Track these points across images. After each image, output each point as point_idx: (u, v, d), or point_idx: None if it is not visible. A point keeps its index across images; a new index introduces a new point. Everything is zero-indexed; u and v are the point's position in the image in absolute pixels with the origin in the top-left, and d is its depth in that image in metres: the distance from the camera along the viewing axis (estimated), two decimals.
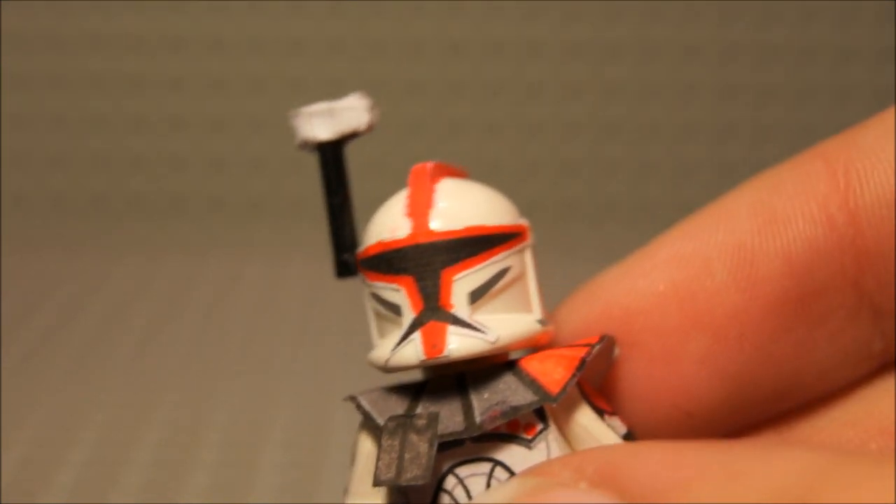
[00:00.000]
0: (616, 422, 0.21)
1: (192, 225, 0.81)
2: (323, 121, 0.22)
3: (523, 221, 0.22)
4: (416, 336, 0.20)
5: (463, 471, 0.21)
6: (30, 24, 0.81)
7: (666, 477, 0.16)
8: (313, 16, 0.83)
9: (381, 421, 0.21)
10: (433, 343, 0.20)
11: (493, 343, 0.20)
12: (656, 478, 0.16)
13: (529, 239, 0.22)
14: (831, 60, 0.84)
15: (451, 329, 0.20)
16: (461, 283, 0.20)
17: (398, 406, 0.21)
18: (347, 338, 0.64)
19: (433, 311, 0.20)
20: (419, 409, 0.21)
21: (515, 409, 0.20)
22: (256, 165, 0.82)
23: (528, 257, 0.22)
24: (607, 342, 0.22)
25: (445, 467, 0.21)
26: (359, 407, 0.21)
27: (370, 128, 0.22)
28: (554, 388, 0.20)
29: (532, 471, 0.19)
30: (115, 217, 0.81)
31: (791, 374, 0.22)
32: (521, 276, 0.21)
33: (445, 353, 0.20)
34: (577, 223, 0.81)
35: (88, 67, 0.82)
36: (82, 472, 0.49)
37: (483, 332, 0.20)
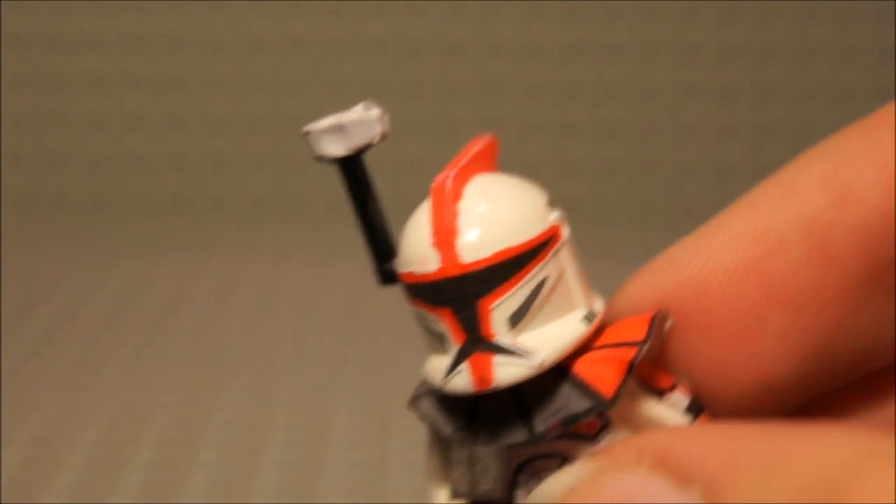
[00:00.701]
0: (677, 396, 0.22)
1: (192, 225, 0.81)
2: (334, 138, 0.22)
3: (554, 218, 0.21)
4: (464, 367, 0.20)
5: (535, 466, 0.21)
6: (30, 24, 0.81)
7: (715, 462, 0.16)
8: (313, 16, 0.83)
9: (447, 430, 0.21)
10: (481, 375, 0.20)
11: (539, 366, 0.20)
12: (705, 462, 0.17)
13: (563, 236, 0.21)
14: (831, 60, 0.84)
15: (497, 360, 0.20)
16: (499, 310, 0.20)
17: (459, 414, 0.21)
18: (348, 337, 0.64)
19: (476, 341, 0.20)
20: (481, 418, 0.21)
21: (574, 416, 0.20)
22: (256, 165, 0.82)
23: (565, 254, 0.21)
24: (658, 322, 0.22)
25: (517, 463, 0.21)
26: (423, 419, 0.22)
27: (384, 138, 0.22)
28: (607, 392, 0.20)
29: (596, 454, 0.19)
30: (115, 217, 0.81)
31: (869, 345, 0.22)
32: (560, 278, 0.21)
33: (493, 384, 0.20)
34: (577, 223, 0.81)
35: (88, 67, 0.82)
36: (82, 472, 0.49)
37: (527, 357, 0.20)
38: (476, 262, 0.20)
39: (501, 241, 0.20)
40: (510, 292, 0.20)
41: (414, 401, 0.22)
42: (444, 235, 0.20)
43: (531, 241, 0.21)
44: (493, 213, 0.21)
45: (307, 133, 0.22)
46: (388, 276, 0.22)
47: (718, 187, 0.83)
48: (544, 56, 0.84)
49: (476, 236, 0.20)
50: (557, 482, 0.19)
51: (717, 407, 0.22)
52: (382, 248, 0.22)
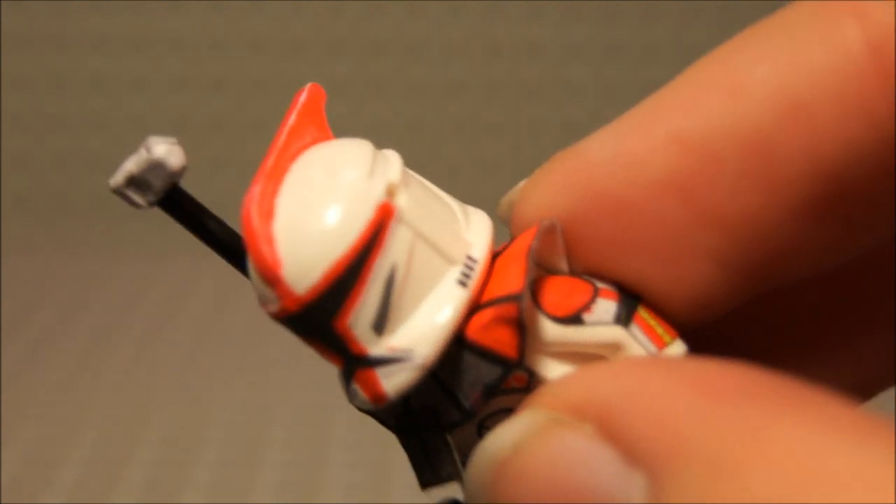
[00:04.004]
0: (601, 307, 0.20)
1: None
2: (136, 190, 0.20)
3: (380, 193, 0.18)
4: (355, 388, 0.19)
5: (489, 424, 0.21)
6: (30, 24, 0.81)
7: (660, 442, 0.15)
8: (313, 16, 0.83)
9: (390, 422, 0.20)
10: (373, 392, 0.19)
11: (423, 365, 0.19)
12: (651, 439, 0.15)
13: (398, 205, 0.19)
14: None
15: (379, 372, 0.19)
16: (358, 324, 0.19)
17: (394, 406, 0.21)
18: None
19: (352, 361, 0.19)
20: (412, 402, 0.20)
21: (490, 386, 0.19)
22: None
23: (409, 222, 0.19)
24: (538, 243, 0.19)
25: (474, 427, 0.20)
26: (366, 412, 0.21)
27: (183, 167, 0.19)
28: (511, 352, 0.19)
29: (543, 400, 0.17)
30: (115, 218, 0.81)
31: (817, 269, 0.19)
32: (411, 254, 0.19)
33: (388, 399, 0.19)
34: None
35: (89, 67, 0.82)
36: (83, 471, 0.49)
37: (408, 359, 0.19)
38: (311, 290, 0.18)
39: (328, 257, 0.18)
40: (360, 301, 0.18)
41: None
42: (269, 273, 0.18)
43: (359, 240, 0.18)
44: (310, 226, 0.18)
45: (113, 191, 0.20)
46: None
47: None
48: (544, 56, 0.84)
49: (300, 260, 0.18)
50: (501, 437, 0.17)
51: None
52: (246, 265, 0.20)
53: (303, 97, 0.20)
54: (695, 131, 0.18)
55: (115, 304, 0.68)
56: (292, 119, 0.20)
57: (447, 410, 0.19)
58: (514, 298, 0.19)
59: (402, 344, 0.19)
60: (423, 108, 0.83)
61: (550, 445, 0.16)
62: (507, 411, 0.19)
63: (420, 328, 0.19)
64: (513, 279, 0.19)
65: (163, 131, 0.88)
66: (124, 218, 0.81)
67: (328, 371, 0.64)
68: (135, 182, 0.19)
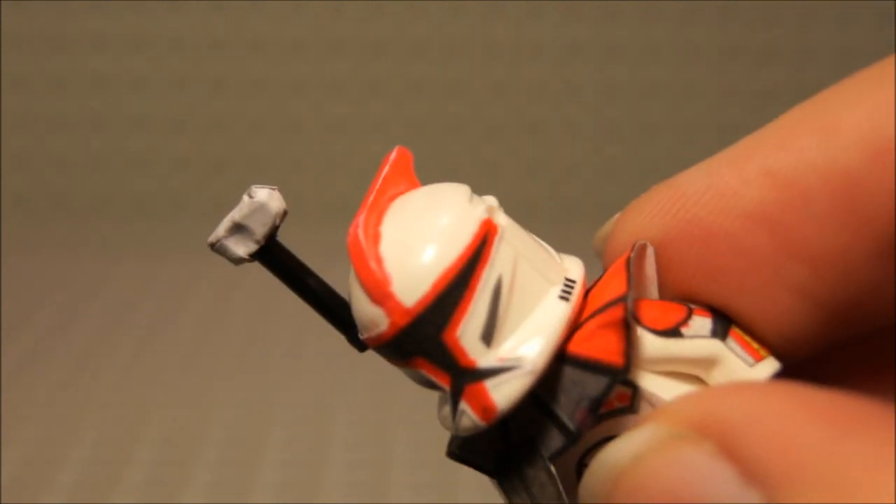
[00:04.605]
0: (696, 321, 0.20)
1: (192, 225, 0.81)
2: (236, 239, 0.20)
3: (482, 212, 0.19)
4: (464, 406, 0.19)
5: (589, 459, 0.20)
6: (30, 24, 0.81)
7: (779, 463, 0.15)
8: (313, 16, 0.83)
9: (489, 466, 0.20)
10: (482, 407, 0.19)
11: (533, 371, 0.19)
12: (770, 460, 0.15)
13: (500, 224, 0.19)
14: (831, 60, 0.84)
15: (489, 384, 0.19)
16: (466, 335, 0.19)
17: (493, 441, 0.20)
18: None
19: (461, 376, 0.19)
20: (514, 438, 0.20)
21: (598, 399, 0.19)
22: (257, 166, 0.82)
23: (511, 240, 0.19)
24: (636, 260, 0.20)
25: (573, 465, 0.20)
26: (462, 461, 0.21)
27: (285, 215, 0.20)
28: (617, 360, 0.19)
29: (665, 416, 0.17)
30: (115, 218, 0.81)
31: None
32: (516, 269, 0.19)
33: (499, 411, 0.19)
34: (577, 223, 0.81)
35: (89, 68, 0.82)
36: (83, 471, 0.49)
37: (518, 367, 0.19)
38: (420, 302, 0.19)
39: (436, 268, 0.19)
40: (468, 312, 0.19)
41: (450, 449, 0.21)
42: (379, 289, 0.19)
43: (465, 250, 0.19)
44: (417, 242, 0.19)
45: (212, 245, 0.20)
46: (363, 343, 0.20)
47: None
48: (544, 56, 0.84)
49: (409, 274, 0.19)
50: (621, 449, 0.17)
51: None
52: (342, 318, 0.20)
53: (393, 156, 0.21)
54: (787, 167, 0.19)
55: (115, 304, 0.68)
56: (386, 170, 0.20)
57: (550, 436, 0.19)
58: (620, 300, 0.19)
59: (512, 354, 0.19)
60: (423, 108, 0.83)
61: (671, 459, 0.16)
62: (606, 442, 0.19)
63: (528, 338, 0.19)
64: (615, 287, 0.19)
65: (163, 131, 0.88)
66: (124, 218, 0.81)
67: (328, 371, 0.64)
68: (237, 229, 0.20)
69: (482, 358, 0.19)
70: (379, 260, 0.19)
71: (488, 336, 0.19)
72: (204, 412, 0.55)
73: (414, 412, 0.54)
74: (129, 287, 0.71)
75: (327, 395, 0.57)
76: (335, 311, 0.21)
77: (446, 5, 0.83)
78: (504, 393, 0.19)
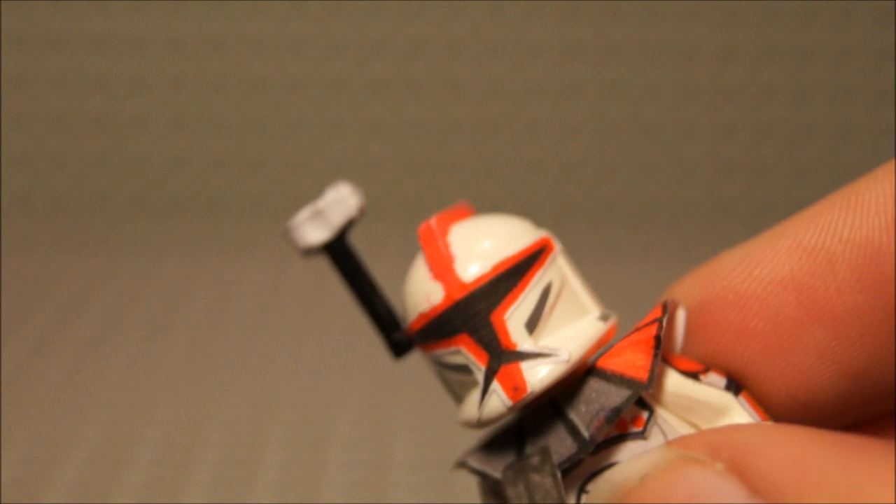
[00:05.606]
0: (713, 376, 0.21)
1: (192, 226, 0.81)
2: (314, 225, 0.21)
3: (541, 231, 0.22)
4: (495, 385, 0.20)
5: (589, 486, 0.21)
6: (30, 24, 0.81)
7: (789, 477, 0.16)
8: (313, 16, 0.83)
9: (498, 475, 0.21)
10: (514, 386, 0.20)
11: (568, 361, 0.20)
12: (780, 475, 0.16)
13: (556, 247, 0.22)
14: (831, 60, 0.84)
15: (525, 366, 0.20)
16: (513, 318, 0.20)
17: (507, 454, 0.21)
18: (348, 337, 0.64)
19: (500, 356, 0.20)
20: (528, 449, 0.20)
21: (616, 410, 0.20)
22: (257, 167, 0.82)
23: (563, 263, 0.22)
24: (671, 306, 0.22)
25: (576, 488, 0.20)
26: (472, 470, 0.21)
27: (363, 212, 0.22)
28: (642, 375, 0.20)
29: (676, 442, 0.19)
30: (115, 218, 0.81)
31: None
32: (564, 285, 0.21)
33: (529, 390, 0.20)
34: (577, 223, 0.81)
35: (89, 68, 0.82)
36: (83, 471, 0.49)
37: (554, 355, 0.20)
38: (478, 279, 0.20)
39: (497, 253, 0.21)
40: (519, 299, 0.20)
41: (460, 461, 0.22)
42: (442, 266, 0.21)
43: (525, 249, 0.21)
44: (483, 233, 0.21)
45: (288, 229, 0.22)
46: (399, 346, 0.22)
47: (718, 187, 0.83)
48: (544, 56, 0.84)
49: (471, 255, 0.21)
50: (630, 468, 0.18)
51: None
52: (387, 320, 0.22)
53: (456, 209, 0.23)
54: (816, 238, 0.21)
55: (115, 304, 0.68)
56: (453, 208, 0.22)
57: (563, 443, 0.20)
58: (654, 321, 0.21)
59: (551, 345, 0.20)
60: (423, 108, 0.83)
61: (679, 478, 0.17)
62: (611, 467, 0.20)
63: (567, 338, 0.21)
64: (650, 316, 0.21)
65: (163, 131, 0.88)
66: (124, 218, 0.81)
67: (328, 372, 0.64)
68: (319, 215, 0.21)
69: (523, 342, 0.20)
70: (447, 244, 0.21)
71: (532, 325, 0.21)
72: (204, 412, 0.55)
73: (414, 413, 0.54)
74: (129, 287, 0.71)
75: (327, 395, 0.57)
76: (382, 313, 0.22)
77: (446, 5, 0.83)
78: (538, 375, 0.20)
